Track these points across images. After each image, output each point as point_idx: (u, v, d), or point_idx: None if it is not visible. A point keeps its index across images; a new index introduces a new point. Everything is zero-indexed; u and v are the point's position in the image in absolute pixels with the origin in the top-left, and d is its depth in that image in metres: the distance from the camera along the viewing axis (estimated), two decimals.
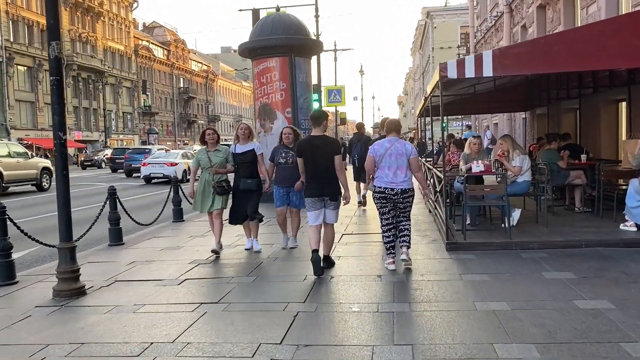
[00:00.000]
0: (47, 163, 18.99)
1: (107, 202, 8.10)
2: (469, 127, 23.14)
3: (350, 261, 6.31)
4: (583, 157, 8.87)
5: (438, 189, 8.42)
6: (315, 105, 24.10)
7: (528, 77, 11.08)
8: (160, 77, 76.43)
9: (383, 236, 5.86)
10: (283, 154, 6.92)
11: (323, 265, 5.66)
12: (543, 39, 6.86)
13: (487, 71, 6.33)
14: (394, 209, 5.68)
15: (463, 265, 5.81)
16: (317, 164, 5.65)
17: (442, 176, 7.60)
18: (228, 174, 7.06)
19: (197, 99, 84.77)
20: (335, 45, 31.47)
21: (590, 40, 5.99)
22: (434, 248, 6.80)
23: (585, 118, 11.07)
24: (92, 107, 59.64)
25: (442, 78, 6.41)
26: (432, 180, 10.30)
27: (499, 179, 7.56)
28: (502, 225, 7.51)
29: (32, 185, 18.24)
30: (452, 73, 6.39)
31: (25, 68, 50.39)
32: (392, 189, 5.57)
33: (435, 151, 11.69)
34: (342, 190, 5.77)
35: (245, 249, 7.17)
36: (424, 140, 18.70)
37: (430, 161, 12.56)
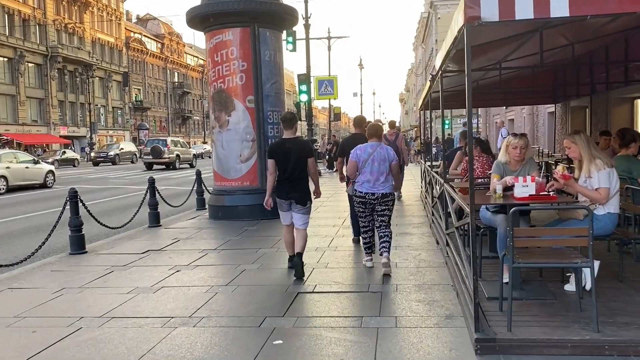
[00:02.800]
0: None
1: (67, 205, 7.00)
2: (465, 125, 19.55)
3: None
4: None
5: (454, 221, 5.25)
6: (303, 97, 21.04)
7: (574, 55, 7.96)
8: (153, 71, 73.51)
9: (361, 237, 5.95)
10: None
11: (294, 262, 5.52)
12: None
13: (559, 9, 3.22)
14: (372, 213, 5.65)
15: None
16: (288, 166, 5.52)
17: (462, 202, 4.46)
18: None
19: (192, 94, 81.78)
20: (329, 32, 28.27)
21: None
22: (449, 342, 3.65)
23: None
24: (79, 101, 56.64)
25: (471, 20, 3.28)
26: (443, 200, 7.17)
27: (560, 206, 4.44)
28: (564, 286, 4.41)
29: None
30: (490, 11, 3.26)
31: (6, 59, 47.33)
32: (373, 194, 5.52)
33: (445, 154, 8.60)
34: (314, 189, 5.82)
35: None
36: (429, 140, 15.49)
37: (436, 168, 9.38)
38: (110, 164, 38.28)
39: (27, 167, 19.19)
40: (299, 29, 25.59)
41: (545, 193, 4.33)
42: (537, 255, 3.86)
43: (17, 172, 18.44)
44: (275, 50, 10.01)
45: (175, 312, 4.48)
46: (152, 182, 9.40)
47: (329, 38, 28.32)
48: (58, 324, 4.28)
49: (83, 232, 7.23)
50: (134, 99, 67.70)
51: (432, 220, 8.07)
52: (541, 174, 4.80)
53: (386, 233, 5.55)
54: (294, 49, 22.12)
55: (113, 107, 63.21)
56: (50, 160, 33.39)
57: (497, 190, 4.41)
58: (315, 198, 5.86)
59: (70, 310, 4.61)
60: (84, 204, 7.39)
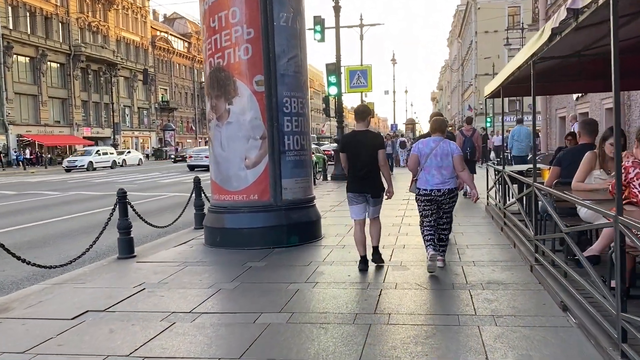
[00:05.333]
0: None
1: None
2: (519, 121, 16.12)
3: None
4: None
5: None
6: (333, 90, 18.24)
7: None
8: (180, 70, 71.92)
9: (424, 229, 5.63)
10: None
11: (373, 257, 5.72)
12: None
13: None
14: (438, 211, 5.53)
15: None
16: (360, 159, 5.52)
17: None
18: None
19: None
20: (361, 19, 25.42)
21: None
22: None
23: None
24: (103, 101, 55.10)
25: None
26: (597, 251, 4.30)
27: None
28: None
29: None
30: None
31: (27, 59, 45.99)
32: (439, 190, 5.41)
33: (555, 157, 5.75)
34: (385, 186, 5.65)
35: None
36: (488, 137, 12.54)
37: (535, 175, 6.39)
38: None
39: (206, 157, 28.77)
40: (327, 14, 22.70)
41: None
42: None
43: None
44: (294, 12, 7.21)
45: None
46: (122, 195, 6.68)
47: (361, 26, 25.46)
48: None
49: None
50: (160, 99, 66.12)
51: (537, 260, 5.16)
52: None
53: (447, 236, 5.68)
54: (322, 39, 19.32)
55: (139, 108, 61.72)
56: None
57: None
58: (387, 198, 5.67)
59: None
60: None
